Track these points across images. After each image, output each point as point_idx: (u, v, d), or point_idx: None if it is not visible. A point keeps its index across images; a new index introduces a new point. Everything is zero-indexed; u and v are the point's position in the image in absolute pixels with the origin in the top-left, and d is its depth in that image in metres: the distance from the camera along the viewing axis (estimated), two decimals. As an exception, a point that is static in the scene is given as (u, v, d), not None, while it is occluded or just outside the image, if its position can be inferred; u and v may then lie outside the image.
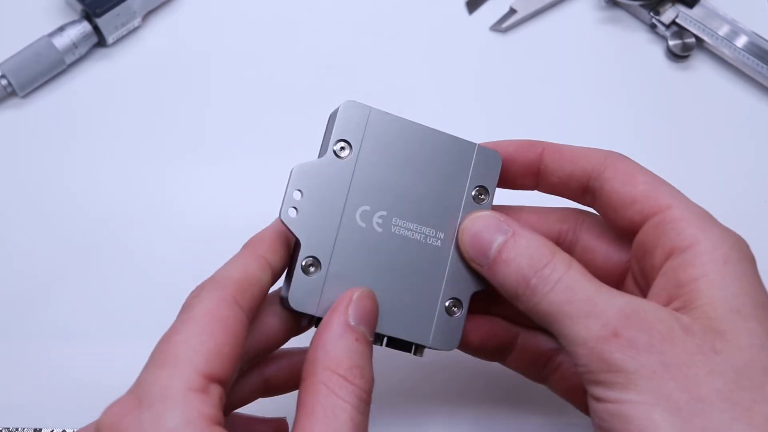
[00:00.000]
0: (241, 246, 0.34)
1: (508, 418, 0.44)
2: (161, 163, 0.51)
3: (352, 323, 0.31)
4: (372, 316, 0.32)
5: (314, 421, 0.29)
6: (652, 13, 0.56)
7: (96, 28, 0.53)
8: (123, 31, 0.54)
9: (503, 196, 0.38)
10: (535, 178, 0.37)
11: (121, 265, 0.48)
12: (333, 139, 0.34)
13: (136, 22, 0.54)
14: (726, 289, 0.30)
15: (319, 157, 0.34)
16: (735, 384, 0.28)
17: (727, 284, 0.30)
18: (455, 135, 0.36)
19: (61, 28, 0.52)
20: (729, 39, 0.55)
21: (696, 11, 0.56)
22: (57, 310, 0.46)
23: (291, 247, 0.34)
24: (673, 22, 0.56)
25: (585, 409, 0.32)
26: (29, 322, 0.46)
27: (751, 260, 0.31)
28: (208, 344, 0.29)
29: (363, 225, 0.34)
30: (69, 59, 0.53)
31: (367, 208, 0.34)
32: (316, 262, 0.33)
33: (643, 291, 0.34)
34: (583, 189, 0.36)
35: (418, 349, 0.35)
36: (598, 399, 0.30)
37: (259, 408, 0.37)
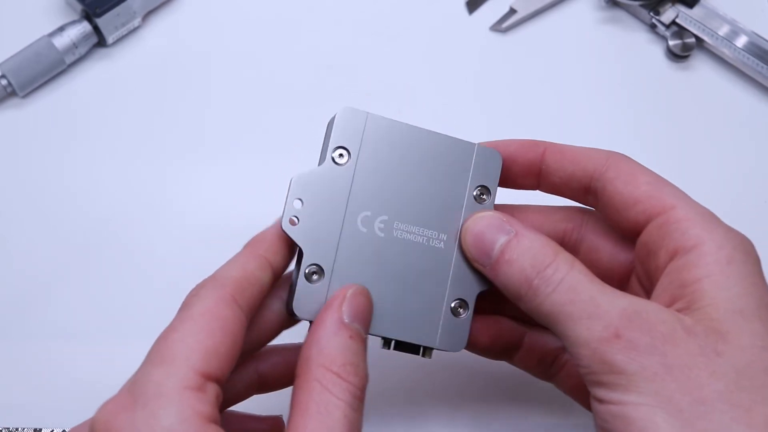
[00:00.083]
0: (241, 246, 0.34)
1: (508, 417, 0.44)
2: (161, 163, 0.51)
3: (346, 320, 0.31)
4: (366, 313, 0.33)
5: (308, 417, 0.29)
6: (652, 13, 0.56)
7: (96, 28, 0.53)
8: (123, 31, 0.54)
9: (508, 196, 0.38)
10: (536, 178, 0.37)
11: (121, 265, 0.48)
12: (331, 146, 0.34)
13: (136, 22, 0.54)
14: (729, 290, 0.30)
15: (318, 165, 0.34)
16: (736, 385, 0.28)
17: (730, 285, 0.30)
18: (454, 136, 0.36)
19: (61, 28, 0.52)
20: (729, 39, 0.55)
21: (696, 11, 0.56)
22: (57, 310, 0.46)
23: (292, 247, 0.34)
24: (673, 22, 0.56)
25: (591, 407, 0.32)
26: (29, 322, 0.46)
27: (755, 260, 0.31)
28: (206, 343, 0.29)
29: (364, 230, 0.34)
30: (69, 59, 0.53)
31: (368, 213, 0.34)
32: (319, 270, 0.33)
33: (648, 291, 0.34)
34: (585, 189, 0.36)
35: (426, 351, 0.35)
36: (600, 400, 0.30)
37: (255, 406, 0.37)
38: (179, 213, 0.50)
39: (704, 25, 0.55)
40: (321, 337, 0.31)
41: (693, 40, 0.55)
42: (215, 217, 0.49)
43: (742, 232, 0.32)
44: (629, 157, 0.35)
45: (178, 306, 0.31)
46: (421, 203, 0.35)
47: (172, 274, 0.46)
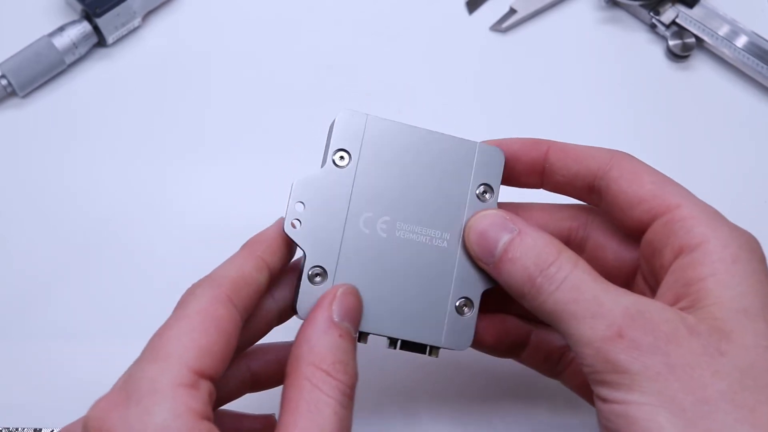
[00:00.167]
0: (240, 246, 0.34)
1: (508, 417, 0.44)
2: (161, 163, 0.51)
3: (336, 319, 0.31)
4: (356, 312, 0.33)
5: (298, 415, 0.29)
6: (652, 13, 0.56)
7: (96, 28, 0.53)
8: (123, 31, 0.54)
9: (513, 194, 0.38)
10: (539, 177, 0.37)
11: (121, 265, 0.48)
12: (331, 149, 0.35)
13: (136, 22, 0.54)
14: (734, 289, 0.30)
15: (321, 167, 0.35)
16: (739, 385, 0.28)
17: (735, 283, 0.30)
18: (455, 135, 0.36)
19: (61, 28, 0.52)
20: (729, 39, 0.55)
21: (696, 11, 0.56)
22: (57, 310, 0.46)
23: (290, 248, 0.34)
24: (673, 22, 0.56)
25: None
26: (29, 322, 0.46)
27: (761, 259, 0.31)
28: (200, 341, 0.29)
29: (367, 231, 0.34)
30: (69, 59, 0.53)
31: (370, 214, 0.35)
32: (322, 272, 0.34)
33: (653, 289, 0.34)
34: (588, 188, 0.36)
35: (433, 350, 0.35)
36: (603, 399, 0.30)
37: (248, 405, 0.37)
38: (179, 213, 0.49)
39: (704, 25, 0.55)
40: (311, 335, 0.31)
41: (693, 40, 0.55)
42: (215, 217, 0.49)
43: (744, 232, 0.32)
44: (633, 156, 0.35)
45: (177, 306, 0.31)
46: (424, 203, 0.35)
47: (172, 274, 0.46)
